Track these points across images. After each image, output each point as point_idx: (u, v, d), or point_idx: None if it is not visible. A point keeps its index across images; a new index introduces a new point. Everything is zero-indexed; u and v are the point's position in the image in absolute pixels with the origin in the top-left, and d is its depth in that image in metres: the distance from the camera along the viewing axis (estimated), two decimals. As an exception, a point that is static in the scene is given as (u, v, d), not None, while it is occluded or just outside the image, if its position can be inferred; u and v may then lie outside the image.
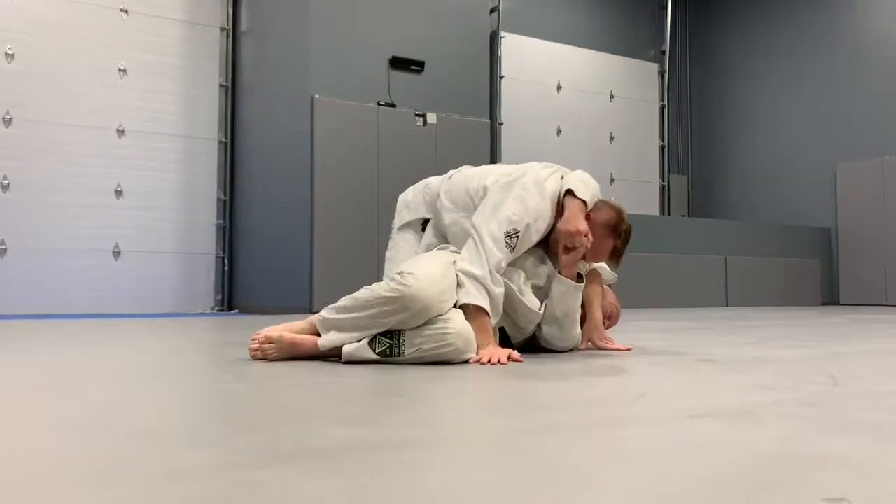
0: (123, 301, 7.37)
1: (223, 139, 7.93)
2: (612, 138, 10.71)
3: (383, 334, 2.28)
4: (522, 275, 2.58)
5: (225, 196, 7.91)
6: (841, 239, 9.73)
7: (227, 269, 7.87)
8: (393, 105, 6.81)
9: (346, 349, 2.30)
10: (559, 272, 2.55)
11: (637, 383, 2.01)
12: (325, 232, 6.44)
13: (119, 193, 7.43)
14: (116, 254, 7.41)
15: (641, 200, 10.89)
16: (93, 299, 7.24)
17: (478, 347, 2.30)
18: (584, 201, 2.50)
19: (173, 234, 7.69)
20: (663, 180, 11.14)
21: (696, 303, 8.52)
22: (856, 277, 9.57)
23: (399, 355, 2.26)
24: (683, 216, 11.31)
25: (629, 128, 10.89)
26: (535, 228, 2.52)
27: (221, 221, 7.90)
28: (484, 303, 2.35)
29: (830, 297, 9.74)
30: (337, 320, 2.36)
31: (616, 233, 2.60)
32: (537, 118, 10.08)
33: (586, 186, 2.56)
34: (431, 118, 7.01)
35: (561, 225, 2.49)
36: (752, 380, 2.03)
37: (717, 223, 9.20)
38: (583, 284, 2.59)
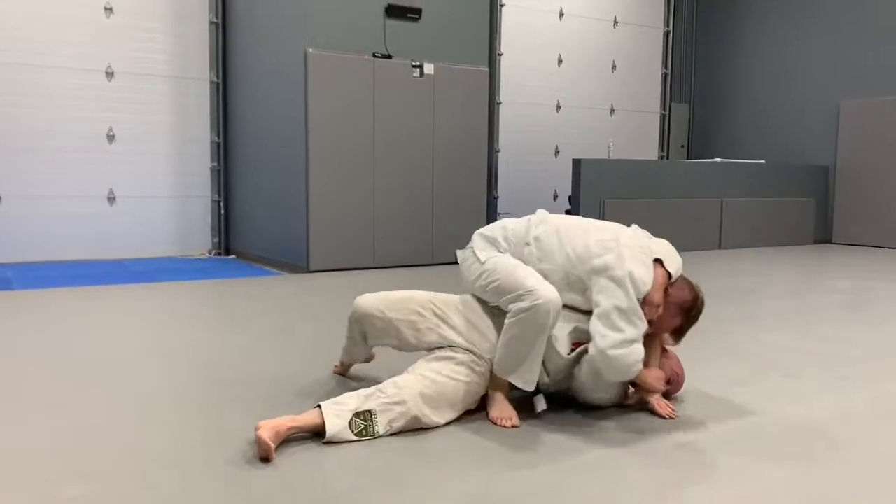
0: (120, 246, 7.42)
1: (215, 79, 7.74)
2: (613, 67, 10.46)
3: (357, 415, 2.36)
4: (571, 318, 2.62)
5: (219, 138, 7.80)
6: (839, 178, 9.69)
7: (222, 212, 7.87)
8: (389, 56, 6.62)
9: (330, 431, 2.34)
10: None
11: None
12: (320, 188, 6.41)
13: (111, 138, 7.33)
14: (111, 199, 7.40)
15: (641, 130, 10.77)
16: (89, 245, 7.29)
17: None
18: (669, 274, 2.58)
19: (168, 177, 7.65)
20: (664, 109, 10.96)
21: (689, 246, 8.59)
22: (850, 217, 9.61)
23: (373, 434, 2.36)
24: (682, 146, 11.21)
25: (632, 55, 10.61)
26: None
27: (216, 164, 7.83)
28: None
29: (823, 236, 9.81)
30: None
31: (685, 314, 2.65)
32: (538, 47, 9.80)
33: (673, 258, 2.64)
34: (428, 69, 6.83)
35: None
36: None
37: (714, 166, 9.12)
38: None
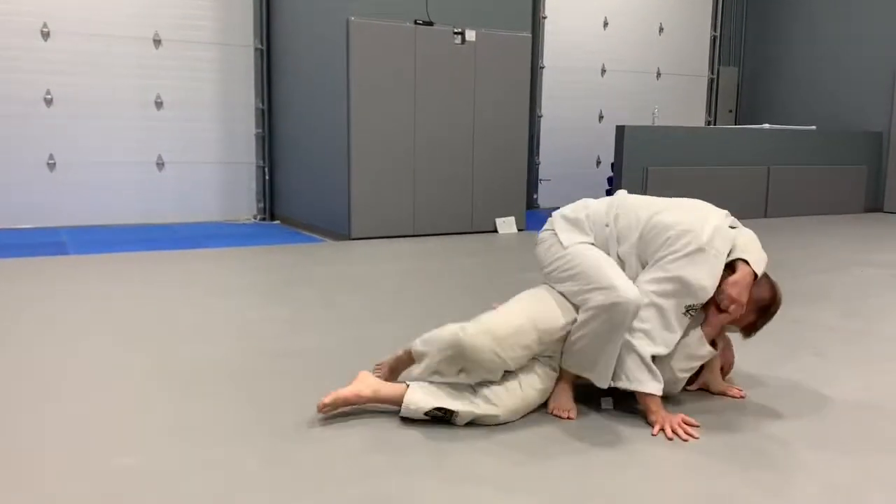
0: (169, 211, 7.63)
1: (259, 46, 7.82)
2: (661, 29, 10.25)
3: (438, 409, 2.38)
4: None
5: (263, 105, 7.91)
6: (893, 145, 9.41)
7: (267, 178, 8.01)
8: (431, 23, 6.60)
9: (407, 406, 2.39)
10: (703, 328, 2.55)
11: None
12: (362, 156, 6.47)
13: (159, 105, 7.49)
14: (160, 165, 7.58)
15: (688, 95, 10.57)
16: (139, 210, 7.51)
17: (649, 412, 2.43)
18: (755, 274, 2.50)
19: (214, 143, 7.80)
20: (712, 73, 10.72)
21: (734, 215, 8.45)
22: (903, 185, 9.35)
23: (452, 422, 2.40)
24: (730, 111, 10.97)
25: (680, 17, 10.37)
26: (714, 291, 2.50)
27: (260, 131, 7.95)
28: (659, 390, 2.43)
29: (875, 204, 9.56)
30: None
31: (762, 314, 2.59)
32: (583, 10, 9.65)
33: (759, 256, 2.55)
34: (470, 35, 6.79)
35: (729, 288, 2.47)
36: None
37: (762, 132, 8.91)
38: (715, 354, 2.61)
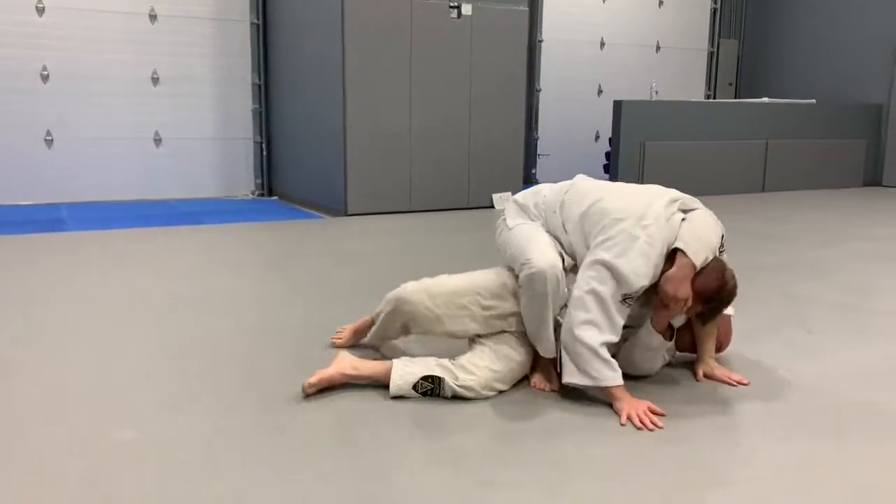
0: (167, 187, 7.65)
1: (255, 21, 7.78)
2: (660, 2, 10.16)
3: (425, 378, 2.47)
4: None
5: (260, 80, 7.89)
6: (892, 117, 9.37)
7: (264, 153, 8.02)
8: (426, -3, 6.57)
9: (394, 387, 2.47)
10: (651, 321, 2.53)
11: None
12: (357, 132, 6.48)
13: (156, 80, 7.48)
14: (157, 141, 7.59)
15: (688, 68, 10.51)
16: (137, 186, 7.53)
17: (614, 400, 2.39)
18: (695, 265, 2.39)
19: (211, 119, 7.79)
20: (712, 46, 10.65)
21: (731, 189, 8.48)
22: (902, 159, 9.33)
23: (439, 395, 2.48)
24: (730, 85, 10.92)
25: (680, -11, 10.28)
26: (652, 281, 2.45)
27: (257, 106, 7.94)
28: (618, 379, 2.39)
29: (873, 178, 9.55)
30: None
31: (706, 304, 2.48)
32: (581, -18, 9.56)
33: (702, 244, 2.43)
34: (466, 9, 6.76)
35: (665, 285, 2.41)
36: None
37: (761, 106, 8.88)
38: (671, 343, 2.61)
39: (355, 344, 2.95)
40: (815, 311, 3.63)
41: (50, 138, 7.16)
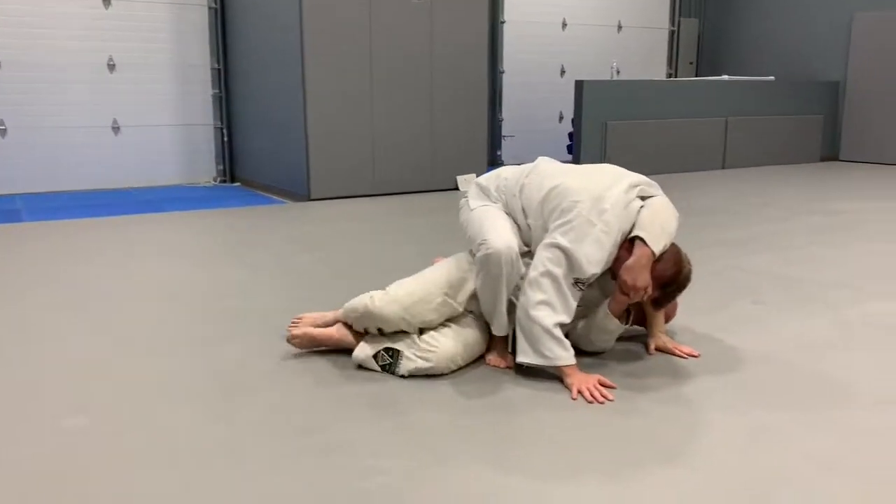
0: (127, 175, 7.55)
1: (213, 4, 7.67)
2: (621, -18, 10.20)
3: (386, 350, 2.53)
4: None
5: (219, 65, 7.80)
6: (849, 93, 9.54)
7: (226, 140, 7.94)
8: (385, -21, 6.52)
9: (356, 356, 2.58)
10: (609, 305, 2.57)
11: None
12: (319, 115, 6.44)
13: (112, 67, 7.35)
14: (116, 128, 7.47)
15: (649, 47, 10.59)
16: (96, 175, 7.42)
17: (565, 376, 2.42)
18: (653, 253, 2.41)
19: (170, 105, 7.69)
20: (673, 25, 10.73)
21: (693, 167, 8.59)
22: (858, 135, 9.51)
23: (394, 374, 2.52)
24: (691, 63, 11.02)
25: (640, -31, 10.33)
26: (604, 268, 2.48)
27: (218, 91, 7.85)
28: (571, 359, 2.42)
29: (830, 153, 9.73)
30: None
31: (661, 289, 2.53)
32: (542, -37, 9.56)
33: (661, 232, 2.45)
34: (425, -9, 6.73)
35: (625, 274, 2.42)
36: None
37: (721, 84, 8.98)
38: (625, 328, 2.64)
39: (311, 348, 2.82)
40: (765, 284, 3.71)
41: (3, 128, 7.01)
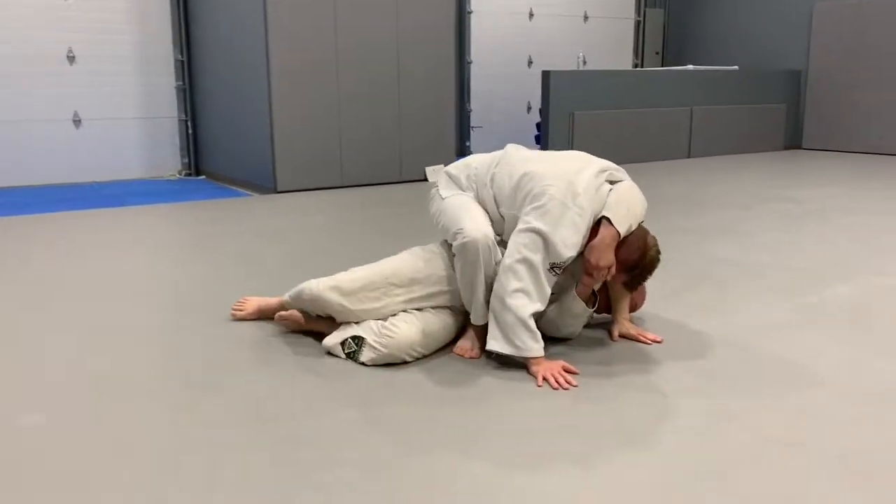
0: (89, 169, 7.42)
1: (175, -5, 7.56)
2: (587, -27, 10.23)
3: (353, 338, 2.54)
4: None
5: (182, 56, 7.68)
6: (811, 82, 9.69)
7: (190, 132, 7.83)
8: (350, -31, 6.47)
9: (325, 343, 2.61)
10: (576, 288, 2.59)
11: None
12: (284, 106, 6.37)
13: (72, 59, 7.21)
14: (77, 122, 7.34)
15: (616, 37, 10.64)
16: (57, 169, 7.28)
17: (530, 364, 2.43)
18: (619, 234, 2.44)
19: (133, 98, 7.56)
20: (639, 15, 10.80)
21: (658, 156, 8.66)
22: (821, 122, 9.67)
23: (357, 361, 2.53)
24: (657, 53, 11.10)
25: (606, -41, 10.37)
26: (579, 251, 2.48)
27: (181, 83, 7.74)
28: (541, 351, 2.42)
29: (793, 141, 9.88)
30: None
31: (628, 273, 2.56)
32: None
33: (627, 213, 2.48)
34: (391, -19, 6.69)
35: (589, 254, 2.45)
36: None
37: (686, 73, 9.07)
38: (592, 311, 2.66)
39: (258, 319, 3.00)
40: (729, 270, 3.76)
41: (-40, 122, 6.85)
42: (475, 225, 2.52)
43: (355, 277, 2.61)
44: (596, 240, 2.45)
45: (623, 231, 2.46)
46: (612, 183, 2.60)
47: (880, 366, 2.51)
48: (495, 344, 2.46)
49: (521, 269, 2.42)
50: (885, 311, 3.09)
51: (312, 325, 2.75)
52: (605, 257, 2.44)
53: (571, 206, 2.44)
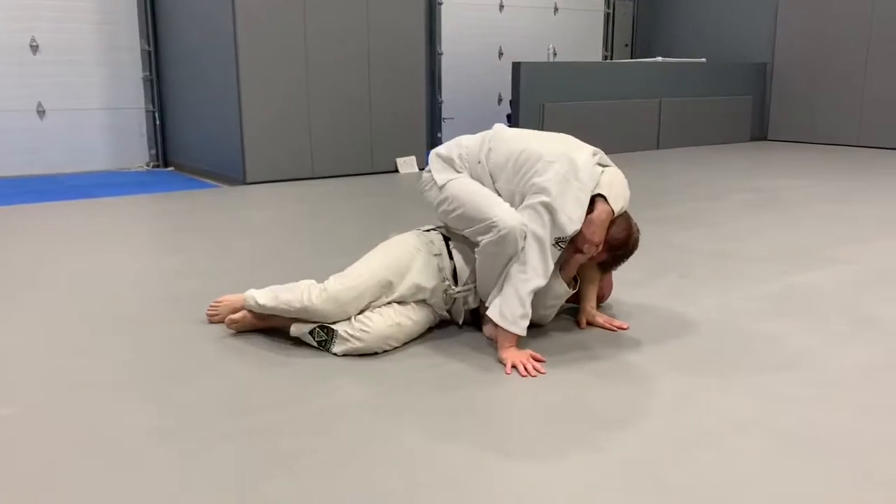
0: (54, 161, 7.30)
1: (141, -17, 7.45)
2: (557, -36, 10.27)
3: (321, 327, 2.53)
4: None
5: (149, 47, 7.58)
6: (776, 75, 9.84)
7: (158, 123, 7.74)
8: (318, -41, 6.43)
9: (293, 331, 2.59)
10: (561, 268, 2.61)
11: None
12: (253, 97, 6.32)
13: (35, 49, 7.08)
14: (41, 112, 7.21)
15: (585, 29, 10.70)
16: (21, 161, 7.15)
17: (501, 349, 2.46)
18: (613, 211, 2.51)
19: (99, 88, 7.45)
20: (608, 7, 10.87)
21: (627, 148, 8.75)
22: (785, 114, 9.83)
23: (328, 351, 2.53)
24: (627, 45, 11.19)
25: (576, -50, 10.42)
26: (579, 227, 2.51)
27: (148, 74, 7.64)
28: (523, 331, 2.44)
29: (759, 132, 10.04)
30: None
31: (612, 253, 2.64)
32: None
33: (618, 195, 2.56)
34: (360, -29, 6.66)
35: (584, 227, 2.49)
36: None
37: (654, 65, 9.16)
38: (573, 293, 2.69)
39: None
40: (692, 259, 3.83)
41: (-80, 112, 6.70)
42: (506, 213, 2.48)
43: (351, 286, 2.54)
44: (594, 214, 2.50)
45: (617, 210, 2.54)
46: (602, 167, 2.67)
47: (841, 350, 2.58)
48: (493, 311, 2.49)
49: (530, 242, 2.45)
50: (847, 299, 3.17)
51: (267, 322, 2.68)
52: (599, 233, 2.51)
53: (574, 181, 2.48)
